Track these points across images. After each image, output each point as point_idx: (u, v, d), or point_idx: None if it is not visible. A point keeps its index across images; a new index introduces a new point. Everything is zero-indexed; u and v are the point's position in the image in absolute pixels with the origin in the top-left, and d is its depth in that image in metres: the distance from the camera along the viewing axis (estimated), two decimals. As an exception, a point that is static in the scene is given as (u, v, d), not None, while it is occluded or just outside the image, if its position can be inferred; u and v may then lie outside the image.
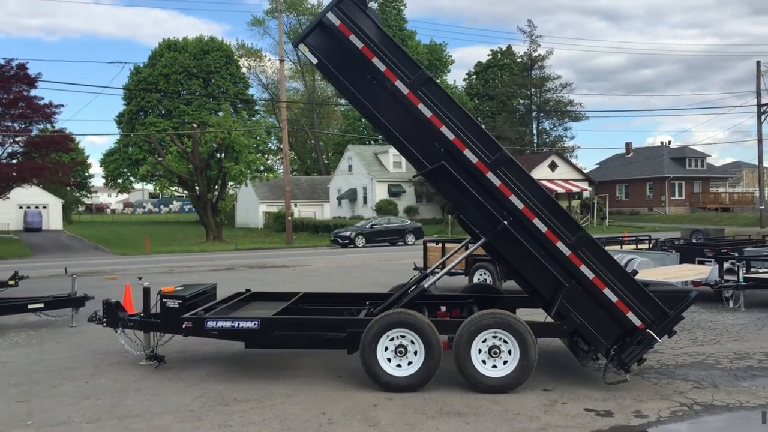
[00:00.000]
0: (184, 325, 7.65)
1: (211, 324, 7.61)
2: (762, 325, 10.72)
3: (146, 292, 8.34)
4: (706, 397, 6.79)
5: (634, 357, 6.99)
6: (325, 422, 6.17)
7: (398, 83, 7.12)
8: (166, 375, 7.90)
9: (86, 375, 7.96)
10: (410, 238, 37.82)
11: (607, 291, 7.00)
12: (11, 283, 12.00)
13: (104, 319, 8.44)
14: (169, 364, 8.33)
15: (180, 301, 7.89)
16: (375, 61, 7.13)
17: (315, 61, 7.33)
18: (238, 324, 7.54)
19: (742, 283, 12.14)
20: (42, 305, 11.05)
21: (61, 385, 7.54)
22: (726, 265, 12.81)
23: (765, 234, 22.58)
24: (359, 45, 7.12)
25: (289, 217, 39.20)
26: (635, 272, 8.61)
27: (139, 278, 9.16)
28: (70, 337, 10.32)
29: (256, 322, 7.51)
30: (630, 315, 6.98)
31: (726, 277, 12.54)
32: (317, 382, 7.48)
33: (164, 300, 7.96)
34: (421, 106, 7.12)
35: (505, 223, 7.13)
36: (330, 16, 7.14)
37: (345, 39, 7.14)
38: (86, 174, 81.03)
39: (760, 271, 13.35)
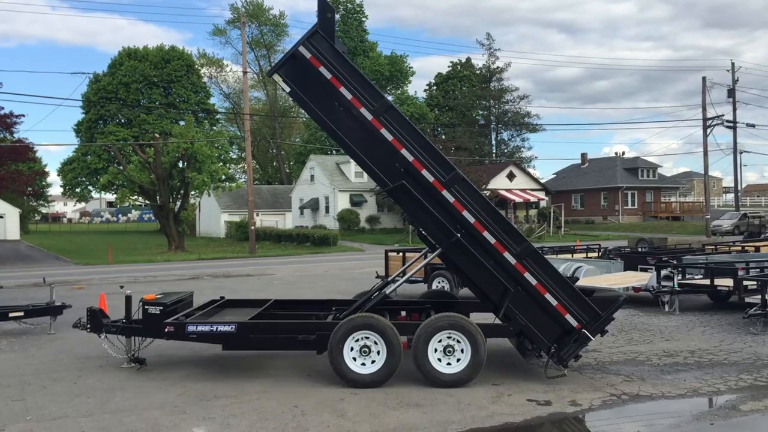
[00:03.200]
0: (166, 330, 8.34)
1: (191, 328, 8.30)
2: (692, 326, 11.79)
3: (128, 299, 8.97)
4: (633, 389, 7.73)
5: (572, 354, 7.92)
6: (298, 414, 6.93)
7: (363, 110, 7.95)
8: (149, 376, 8.55)
9: (73, 377, 8.57)
10: None
11: (548, 295, 7.92)
12: (-13, 293, 12.48)
13: (88, 325, 9.06)
14: (149, 366, 8.98)
15: (161, 308, 8.57)
16: (342, 90, 7.95)
17: (288, 89, 8.13)
18: (217, 328, 8.26)
19: (677, 289, 13.23)
20: (22, 313, 11.58)
21: (52, 385, 8.15)
22: (664, 272, 13.88)
23: (705, 243, 23.93)
24: (328, 75, 7.94)
25: (252, 227, 39.68)
26: (576, 279, 9.56)
27: (121, 287, 9.81)
28: (51, 344, 10.86)
29: (234, 326, 8.23)
30: (568, 317, 7.90)
31: (663, 284, 13.60)
32: (289, 380, 8.24)
33: (146, 307, 8.62)
34: (383, 131, 7.96)
35: (459, 235, 8.00)
36: (302, 49, 7.94)
37: (315, 70, 7.95)
38: (44, 183, 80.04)
39: (695, 278, 14.47)
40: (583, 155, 73.42)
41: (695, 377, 8.26)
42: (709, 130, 48.47)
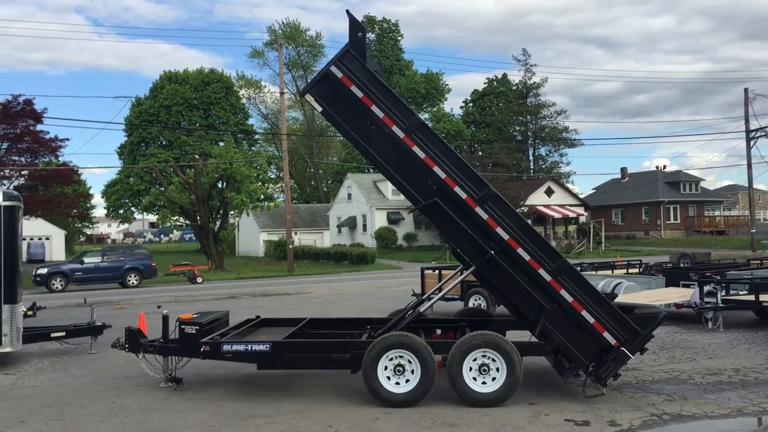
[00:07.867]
0: (202, 349, 8.40)
1: (226, 348, 8.36)
2: (737, 344, 11.46)
3: (165, 319, 9.08)
4: (675, 408, 7.52)
5: (610, 372, 7.75)
6: (332, 434, 6.90)
7: (395, 128, 7.97)
8: (185, 395, 8.62)
9: (111, 396, 8.68)
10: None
11: (584, 313, 7.77)
12: (30, 313, 12.73)
13: (127, 345, 9.19)
14: (186, 385, 9.05)
15: (197, 327, 8.65)
16: (374, 108, 7.98)
17: (320, 109, 8.20)
18: (252, 347, 8.29)
19: (721, 305, 12.89)
20: (64, 333, 11.82)
21: (90, 405, 8.26)
22: (707, 288, 13.55)
23: (750, 258, 23.32)
24: (359, 94, 7.98)
25: (291, 246, 39.94)
26: (614, 295, 9.38)
27: (158, 307, 9.92)
28: (92, 363, 11.04)
29: (268, 346, 8.26)
30: (606, 334, 7.74)
31: (706, 300, 13.27)
32: (324, 400, 8.21)
33: (183, 326, 8.71)
34: (415, 149, 7.96)
35: (492, 252, 7.92)
36: (333, 69, 8.00)
37: (347, 89, 8.00)
38: (88, 205, 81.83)
39: (740, 293, 14.08)
40: (623, 170, 72.34)
41: (740, 396, 8.01)
42: (752, 142, 47.44)
